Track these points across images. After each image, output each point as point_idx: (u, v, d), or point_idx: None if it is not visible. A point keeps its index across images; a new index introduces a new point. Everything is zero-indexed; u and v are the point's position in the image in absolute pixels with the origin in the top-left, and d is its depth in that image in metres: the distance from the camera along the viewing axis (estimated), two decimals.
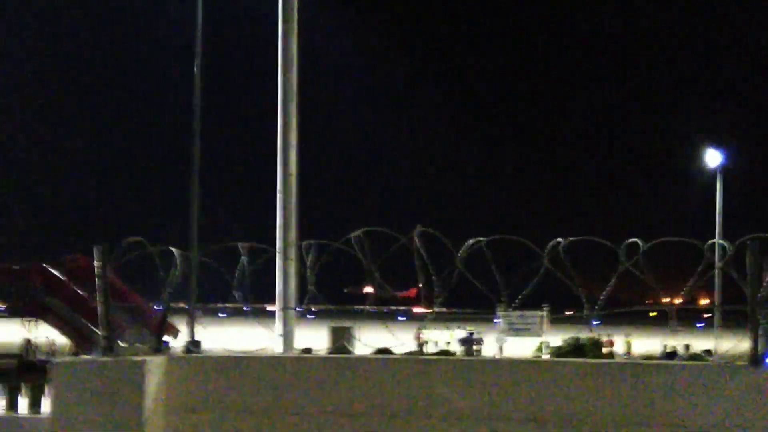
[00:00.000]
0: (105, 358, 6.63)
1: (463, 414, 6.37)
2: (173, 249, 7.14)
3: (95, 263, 6.63)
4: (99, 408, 6.47)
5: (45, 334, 52.08)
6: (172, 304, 7.55)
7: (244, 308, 7.56)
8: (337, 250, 6.92)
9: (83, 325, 48.36)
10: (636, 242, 7.06)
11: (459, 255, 6.90)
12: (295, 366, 6.52)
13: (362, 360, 6.53)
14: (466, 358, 12.71)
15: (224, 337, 7.52)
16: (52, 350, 51.90)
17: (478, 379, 6.45)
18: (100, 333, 6.80)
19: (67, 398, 6.56)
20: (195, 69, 26.04)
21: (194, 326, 25.15)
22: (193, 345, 6.44)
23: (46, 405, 6.85)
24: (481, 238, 7.04)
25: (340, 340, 13.94)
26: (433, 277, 6.82)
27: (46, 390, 6.66)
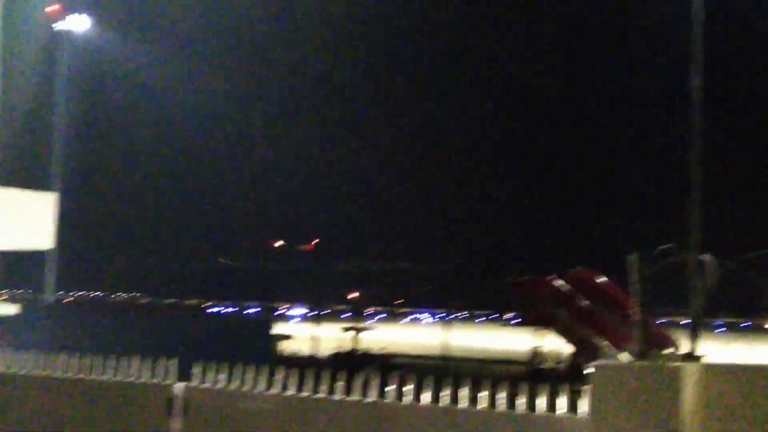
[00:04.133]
0: (641, 363, 6.78)
1: None
2: (706, 257, 7.13)
3: (633, 272, 6.80)
4: (635, 411, 6.63)
5: (552, 343, 53.91)
6: (702, 317, 7.48)
7: (743, 324, 7.34)
8: None
9: (587, 336, 49.31)
10: None
11: None
12: None
13: None
14: None
15: (723, 352, 7.35)
16: (558, 359, 53.61)
17: None
18: (635, 339, 6.95)
19: (605, 400, 6.79)
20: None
21: (697, 339, 24.56)
22: (694, 359, 6.35)
23: (582, 406, 7.11)
24: None
25: None
26: None
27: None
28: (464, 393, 7.49)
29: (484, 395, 7.44)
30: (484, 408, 7.37)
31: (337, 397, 7.90)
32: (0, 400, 9.60)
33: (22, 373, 9.50)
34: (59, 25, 48.04)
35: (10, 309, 14.70)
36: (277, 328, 47.98)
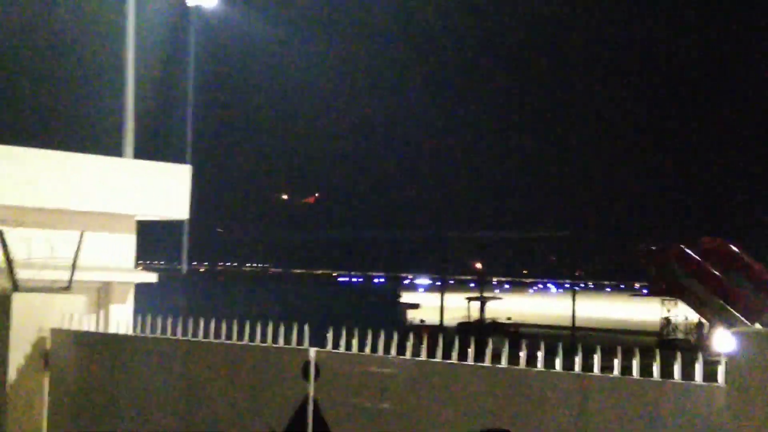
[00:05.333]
0: None
1: None
2: None
3: None
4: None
5: (684, 313, 52.94)
6: None
7: None
8: None
9: (718, 305, 48.38)
10: None
11: None
12: None
13: None
14: None
15: None
16: (689, 329, 52.67)
17: None
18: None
19: (742, 369, 6.70)
20: None
21: None
22: None
23: (717, 376, 7.00)
24: None
25: None
26: None
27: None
28: (595, 361, 7.45)
29: (615, 363, 7.38)
30: (617, 376, 7.32)
31: (469, 362, 7.96)
32: (143, 363, 9.98)
33: (163, 337, 9.85)
34: (190, 1, 49.06)
35: (150, 277, 15.24)
36: (405, 297, 48.38)
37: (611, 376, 7.31)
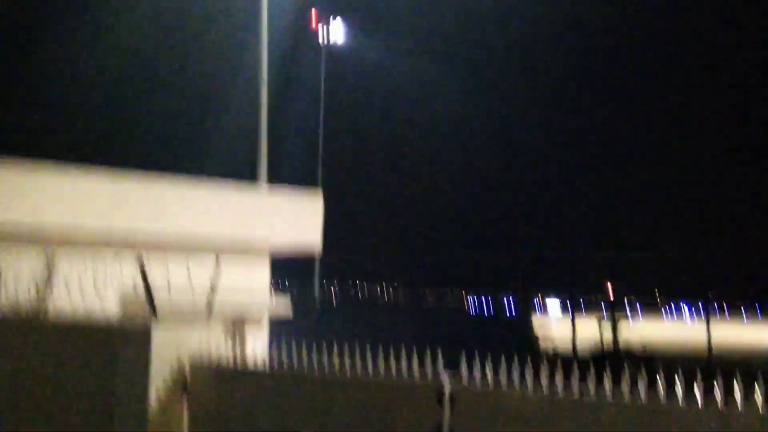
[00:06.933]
0: None
1: None
2: None
3: None
4: None
5: None
6: None
7: None
8: None
9: None
10: None
11: None
12: None
13: None
14: None
15: None
16: None
17: None
18: None
19: None
20: None
21: None
22: None
23: None
24: None
25: None
26: None
27: None
28: (737, 396, 7.21)
29: (757, 396, 7.12)
30: (763, 411, 7.06)
31: (606, 397, 7.83)
32: (279, 396, 10.11)
33: (297, 372, 9.96)
34: (320, 36, 50.09)
35: (285, 305, 15.46)
36: (535, 322, 47.85)
37: (757, 411, 7.05)
